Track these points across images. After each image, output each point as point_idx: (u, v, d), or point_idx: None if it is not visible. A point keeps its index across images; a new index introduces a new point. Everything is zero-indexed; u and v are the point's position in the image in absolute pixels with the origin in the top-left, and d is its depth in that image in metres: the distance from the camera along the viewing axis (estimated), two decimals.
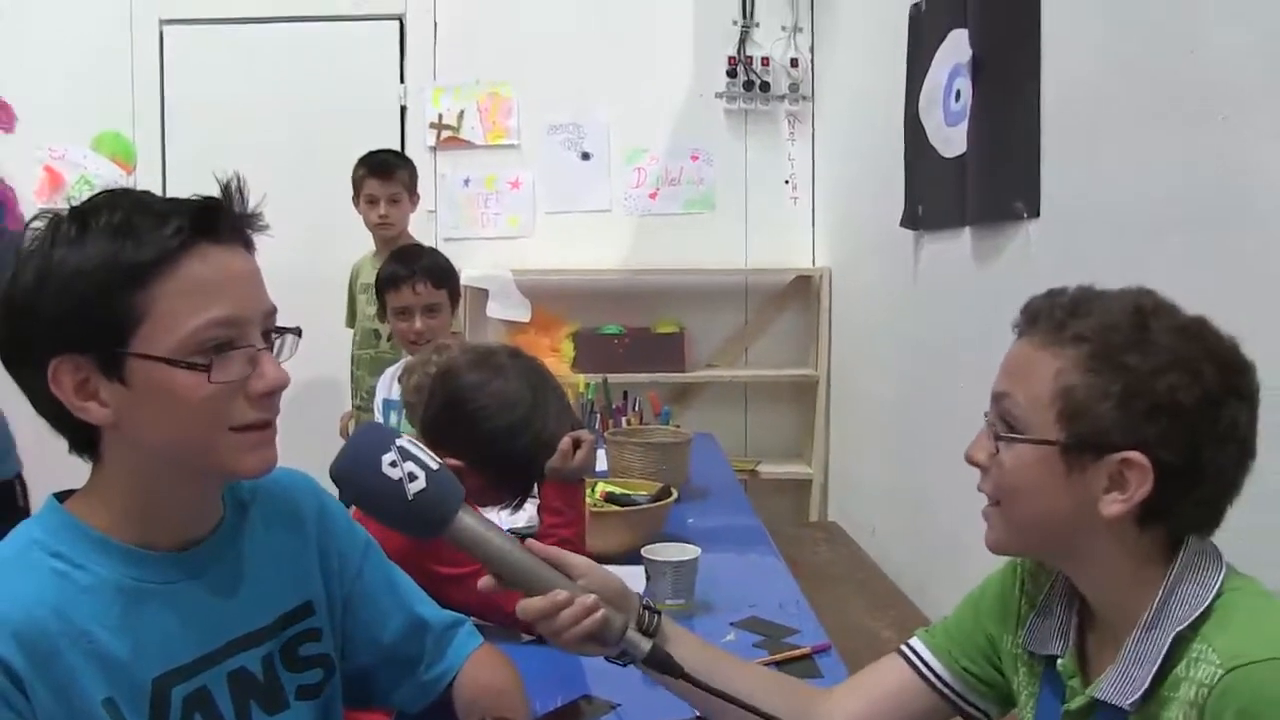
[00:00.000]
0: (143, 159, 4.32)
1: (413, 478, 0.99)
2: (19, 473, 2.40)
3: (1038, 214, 2.29)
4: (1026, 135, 2.30)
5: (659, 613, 1.12)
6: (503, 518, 1.88)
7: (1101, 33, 2.04)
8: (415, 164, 3.61)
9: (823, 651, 1.66)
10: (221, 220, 0.94)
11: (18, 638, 0.86)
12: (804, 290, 4.42)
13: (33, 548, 0.93)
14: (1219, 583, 0.94)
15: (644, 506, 2.20)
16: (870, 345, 3.77)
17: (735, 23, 4.31)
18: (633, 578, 1.63)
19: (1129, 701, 0.94)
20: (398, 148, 4.04)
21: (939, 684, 1.16)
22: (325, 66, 4.28)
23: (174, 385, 0.90)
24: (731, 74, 4.30)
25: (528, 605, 1.04)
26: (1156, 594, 0.95)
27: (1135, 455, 0.93)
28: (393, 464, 0.99)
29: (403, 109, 4.36)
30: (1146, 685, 0.93)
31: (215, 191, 0.96)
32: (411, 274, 2.64)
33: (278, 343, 0.98)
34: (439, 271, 2.69)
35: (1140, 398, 0.93)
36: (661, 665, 1.06)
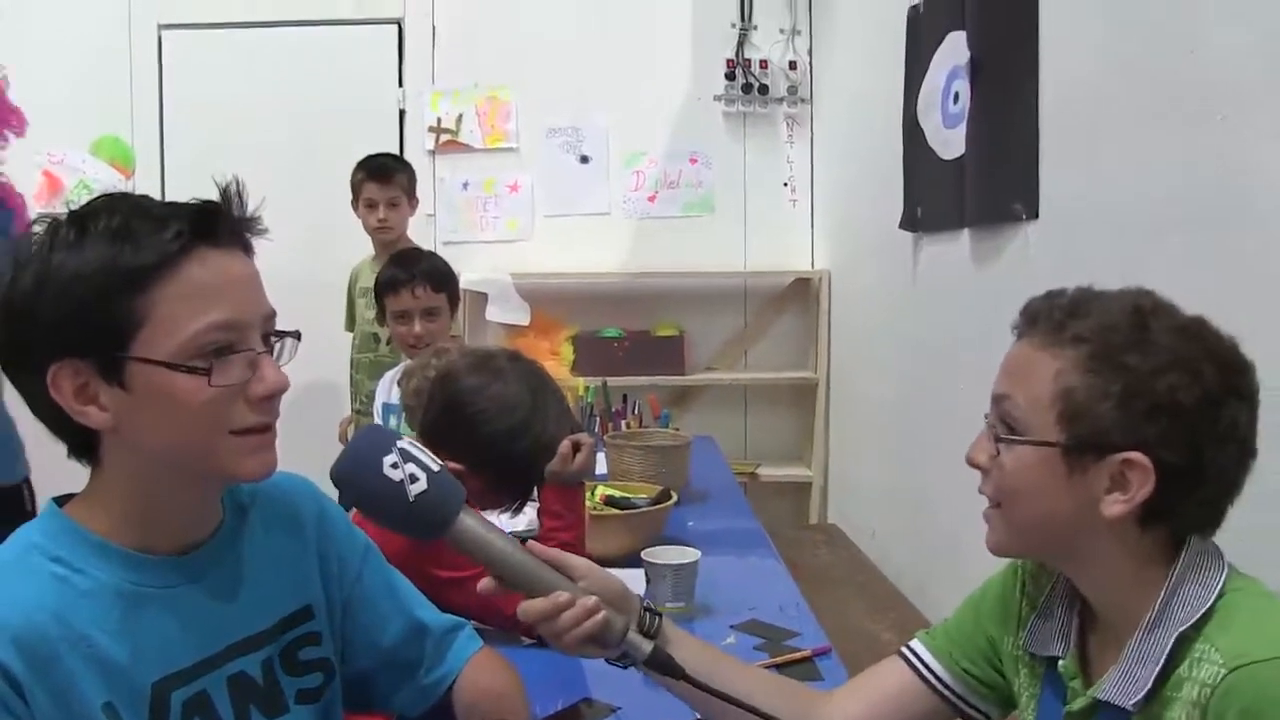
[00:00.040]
0: (141, 163, 4.33)
1: (414, 479, 0.99)
2: (27, 477, 2.40)
3: (1036, 215, 2.29)
4: (1025, 137, 2.30)
5: (660, 615, 1.12)
6: (502, 521, 1.88)
7: (1100, 33, 2.04)
8: (414, 168, 3.61)
9: (823, 654, 1.66)
10: (220, 224, 0.94)
11: (17, 642, 0.86)
12: (803, 293, 4.42)
13: (32, 552, 0.93)
14: (1221, 583, 0.94)
15: (644, 509, 2.20)
16: (869, 347, 3.77)
17: (734, 26, 4.31)
18: (633, 581, 1.62)
19: (1132, 702, 0.93)
20: (396, 151, 4.04)
21: (940, 686, 1.16)
22: (323, 70, 4.28)
23: (174, 389, 0.90)
24: (730, 77, 4.30)
25: (529, 607, 1.04)
26: (1159, 594, 0.95)
27: (1137, 456, 0.92)
28: (394, 466, 0.99)
29: (401, 113, 4.37)
30: (1150, 685, 0.92)
31: (214, 195, 0.96)
32: (411, 278, 2.64)
33: (277, 346, 0.98)
34: (438, 275, 2.69)
35: (1140, 398, 0.93)
36: (662, 667, 1.06)
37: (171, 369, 0.90)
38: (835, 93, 4.15)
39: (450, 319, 2.77)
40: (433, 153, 4.34)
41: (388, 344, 3.20)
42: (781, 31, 4.34)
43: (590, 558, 1.13)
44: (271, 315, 0.97)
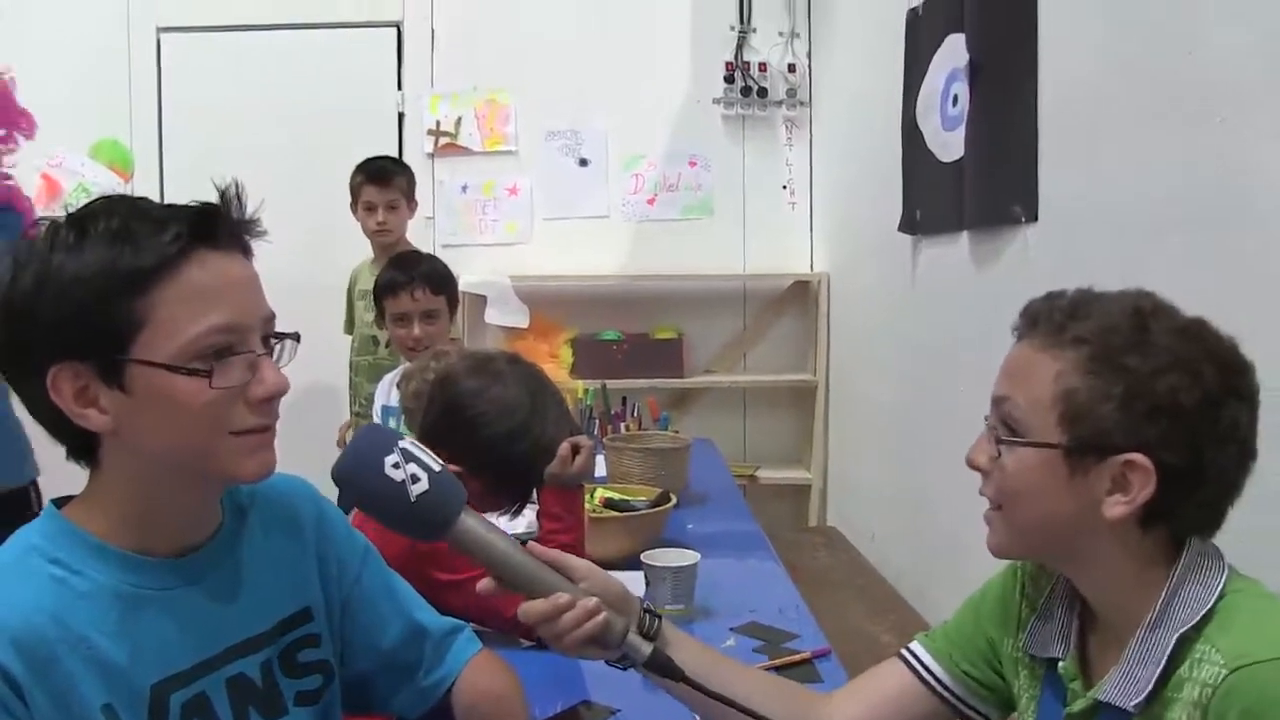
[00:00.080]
0: (140, 166, 4.33)
1: (415, 479, 0.99)
2: (34, 479, 2.39)
3: (1036, 217, 2.29)
4: (1024, 139, 2.30)
5: (659, 616, 1.12)
6: (502, 524, 1.88)
7: (1100, 34, 2.04)
8: (413, 171, 3.61)
9: (822, 656, 1.66)
10: (220, 226, 0.94)
11: (16, 644, 0.86)
12: (802, 295, 4.42)
13: (31, 554, 0.93)
14: (1222, 584, 0.94)
15: (643, 512, 2.19)
16: (869, 350, 3.77)
17: (733, 28, 4.32)
18: (632, 583, 1.62)
19: (1133, 703, 0.93)
20: (395, 154, 4.04)
21: (940, 688, 1.16)
22: (323, 73, 4.28)
23: (175, 391, 0.90)
24: (729, 79, 4.31)
25: (530, 608, 1.04)
26: (1160, 595, 0.95)
27: (1138, 457, 0.92)
28: (395, 466, 0.99)
29: (400, 116, 4.37)
30: (1151, 686, 0.92)
31: (213, 198, 0.96)
32: (410, 280, 2.64)
33: (277, 348, 0.98)
34: (437, 278, 2.69)
35: (1141, 399, 0.93)
36: (662, 669, 1.06)
37: (172, 371, 0.90)
38: (834, 95, 4.16)
39: (449, 322, 2.77)
40: (432, 156, 4.34)
41: (387, 346, 3.20)
42: (780, 34, 4.34)
43: (590, 559, 1.13)
44: (271, 317, 0.97)
